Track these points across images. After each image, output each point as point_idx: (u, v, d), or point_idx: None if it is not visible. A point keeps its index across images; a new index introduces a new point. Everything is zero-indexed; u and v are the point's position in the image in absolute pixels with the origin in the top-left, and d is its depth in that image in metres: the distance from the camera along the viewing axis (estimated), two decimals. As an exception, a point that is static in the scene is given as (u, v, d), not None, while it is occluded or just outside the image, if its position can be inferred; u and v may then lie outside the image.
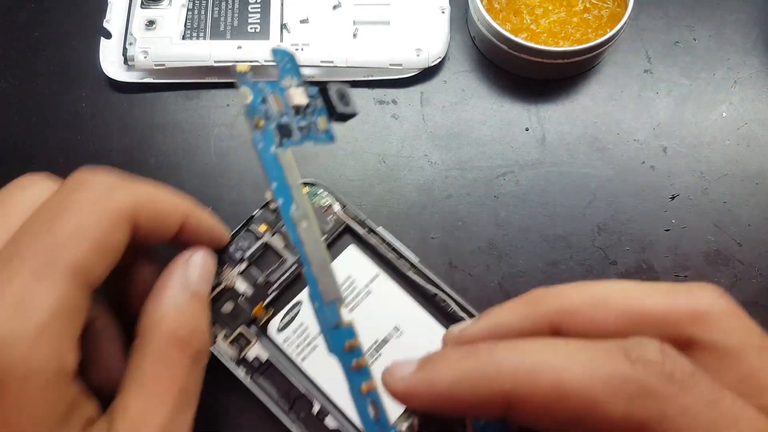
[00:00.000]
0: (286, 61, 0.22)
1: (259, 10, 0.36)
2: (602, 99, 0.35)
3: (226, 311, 0.28)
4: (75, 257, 0.20)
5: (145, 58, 0.34)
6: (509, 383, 0.17)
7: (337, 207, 0.30)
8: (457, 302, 0.29)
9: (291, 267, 0.29)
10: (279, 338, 0.29)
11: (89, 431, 0.20)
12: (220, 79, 0.35)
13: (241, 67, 0.21)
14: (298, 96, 0.21)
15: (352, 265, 0.30)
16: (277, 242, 0.30)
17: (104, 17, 0.36)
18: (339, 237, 0.30)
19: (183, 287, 0.24)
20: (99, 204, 0.21)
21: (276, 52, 0.22)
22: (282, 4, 0.36)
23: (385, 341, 0.29)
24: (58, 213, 0.20)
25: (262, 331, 0.29)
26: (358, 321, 0.27)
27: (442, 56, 0.35)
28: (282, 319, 0.29)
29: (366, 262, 0.30)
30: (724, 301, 0.19)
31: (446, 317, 0.29)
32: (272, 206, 0.30)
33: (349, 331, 0.22)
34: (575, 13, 0.34)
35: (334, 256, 0.30)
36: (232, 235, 0.29)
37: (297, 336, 0.29)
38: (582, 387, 0.16)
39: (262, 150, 0.21)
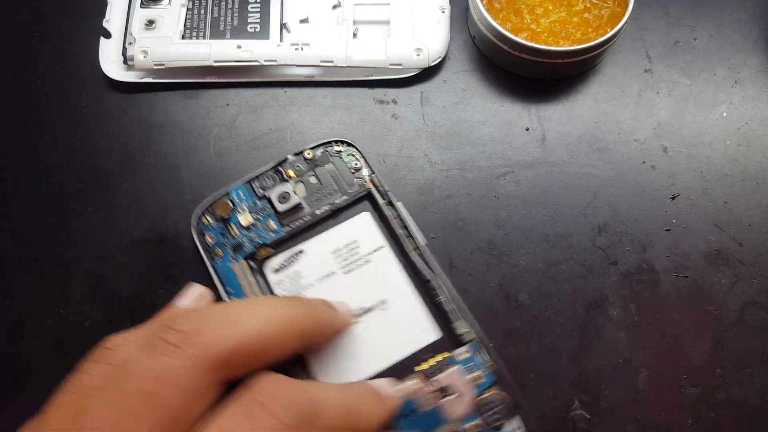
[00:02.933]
0: (240, 195, 0.31)
1: (258, 9, 0.36)
2: (602, 99, 0.35)
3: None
4: None
5: (145, 57, 0.34)
6: None
7: (365, 172, 0.31)
8: (447, 292, 0.29)
9: (305, 216, 0.31)
10: (272, 278, 0.30)
11: None
12: (219, 78, 0.35)
13: (205, 221, 0.31)
14: (245, 220, 0.30)
15: (361, 231, 0.31)
16: (300, 190, 0.31)
17: (104, 17, 0.36)
18: (359, 201, 0.31)
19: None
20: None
21: (233, 190, 0.31)
22: (282, 4, 0.36)
23: (369, 310, 0.29)
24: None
25: (259, 267, 0.30)
26: (351, 285, 0.29)
27: (442, 56, 0.35)
28: (281, 262, 0.30)
29: (375, 231, 0.31)
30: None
31: (433, 305, 0.29)
32: (307, 155, 0.32)
33: None
34: (575, 13, 0.34)
35: (347, 218, 0.31)
36: (261, 173, 0.31)
37: (290, 281, 0.30)
38: None
39: (220, 267, 0.30)
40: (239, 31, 0.35)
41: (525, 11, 0.35)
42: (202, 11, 0.36)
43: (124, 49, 0.35)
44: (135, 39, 0.35)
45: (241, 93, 0.36)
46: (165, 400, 0.18)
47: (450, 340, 0.28)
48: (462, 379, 0.27)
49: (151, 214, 0.33)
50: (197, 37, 0.35)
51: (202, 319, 0.20)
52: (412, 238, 0.30)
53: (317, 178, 0.31)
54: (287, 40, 0.35)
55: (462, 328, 0.28)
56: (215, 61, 0.34)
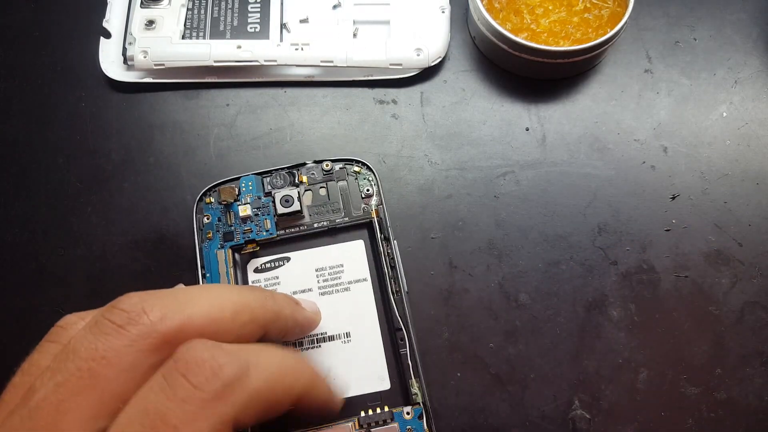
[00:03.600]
0: (249, 186, 0.31)
1: (258, 9, 0.36)
2: (602, 99, 0.35)
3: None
4: None
5: (145, 57, 0.34)
6: None
7: (374, 201, 0.31)
8: (411, 347, 0.28)
9: (302, 225, 0.31)
10: (251, 276, 0.30)
11: None
12: (219, 78, 0.35)
13: (208, 200, 0.31)
14: (244, 211, 0.30)
15: (349, 258, 0.30)
16: (306, 197, 0.31)
17: (104, 17, 0.36)
18: (358, 227, 0.31)
19: None
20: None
21: (243, 179, 0.31)
22: (282, 4, 0.36)
23: (331, 338, 0.29)
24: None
25: (242, 261, 0.31)
26: (322, 308, 0.29)
27: (442, 56, 0.35)
28: (265, 263, 0.30)
29: (364, 262, 0.30)
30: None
31: (395, 354, 0.29)
32: (325, 167, 0.32)
33: None
34: (575, 13, 0.34)
35: (342, 240, 0.31)
36: (275, 170, 0.31)
37: (266, 284, 0.30)
38: None
39: (206, 249, 0.30)
40: (239, 31, 0.35)
41: (525, 11, 0.35)
42: (202, 11, 0.36)
43: (124, 49, 0.35)
44: (135, 39, 0.35)
45: (241, 93, 0.36)
46: (106, 379, 0.19)
47: (399, 395, 0.28)
48: None
49: (151, 214, 0.33)
50: (197, 37, 0.35)
51: (148, 300, 0.20)
52: (398, 281, 0.30)
53: (327, 191, 0.31)
54: (287, 40, 0.35)
55: (414, 388, 0.28)
56: (215, 61, 0.34)
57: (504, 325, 0.31)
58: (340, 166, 0.32)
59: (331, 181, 0.32)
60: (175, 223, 0.33)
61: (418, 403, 0.28)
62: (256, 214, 0.31)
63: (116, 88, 0.36)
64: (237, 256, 0.30)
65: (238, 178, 0.31)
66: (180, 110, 0.35)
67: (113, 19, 0.36)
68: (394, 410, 0.27)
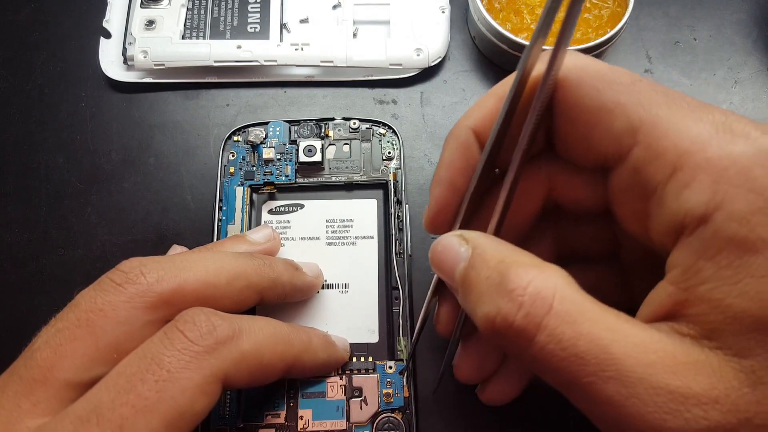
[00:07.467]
0: (276, 131, 0.32)
1: (258, 9, 0.36)
2: (602, 99, 0.35)
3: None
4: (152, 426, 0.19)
5: (145, 57, 0.34)
6: None
7: (394, 164, 0.32)
8: (404, 307, 0.29)
9: (321, 176, 0.31)
10: (265, 217, 0.31)
11: None
12: (219, 78, 0.35)
13: (236, 138, 0.33)
14: (268, 153, 0.32)
15: (361, 214, 0.31)
16: (329, 151, 0.32)
17: (104, 17, 0.36)
18: (374, 186, 0.32)
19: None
20: (187, 373, 0.20)
21: (273, 123, 0.32)
22: (282, 4, 0.36)
23: (330, 287, 0.30)
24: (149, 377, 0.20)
25: (258, 201, 0.32)
26: (326, 258, 0.30)
27: (442, 56, 0.35)
28: (279, 207, 0.31)
29: (373, 221, 0.31)
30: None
31: (388, 311, 0.29)
32: (353, 125, 0.33)
33: None
34: (575, 13, 0.34)
35: (356, 197, 0.31)
36: (304, 120, 0.32)
37: (278, 226, 0.31)
38: None
39: (227, 184, 0.31)
40: (239, 31, 0.35)
41: (525, 11, 0.35)
42: (202, 11, 0.36)
43: (124, 49, 0.35)
44: (135, 39, 0.35)
45: (241, 93, 0.36)
46: (102, 330, 0.21)
47: (385, 350, 0.29)
48: (375, 390, 0.28)
49: (151, 214, 0.33)
50: (197, 37, 0.35)
51: (147, 263, 0.22)
52: (403, 243, 0.30)
53: (350, 148, 0.32)
54: (287, 40, 0.35)
55: (401, 345, 0.28)
56: (215, 61, 0.34)
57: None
58: (367, 126, 0.33)
59: (355, 139, 0.32)
60: (175, 223, 0.33)
61: (402, 360, 0.28)
62: (279, 159, 0.32)
63: (116, 88, 0.36)
64: (254, 195, 0.31)
65: (267, 123, 0.32)
66: (180, 110, 0.35)
67: (113, 19, 0.36)
68: (377, 362, 0.28)
